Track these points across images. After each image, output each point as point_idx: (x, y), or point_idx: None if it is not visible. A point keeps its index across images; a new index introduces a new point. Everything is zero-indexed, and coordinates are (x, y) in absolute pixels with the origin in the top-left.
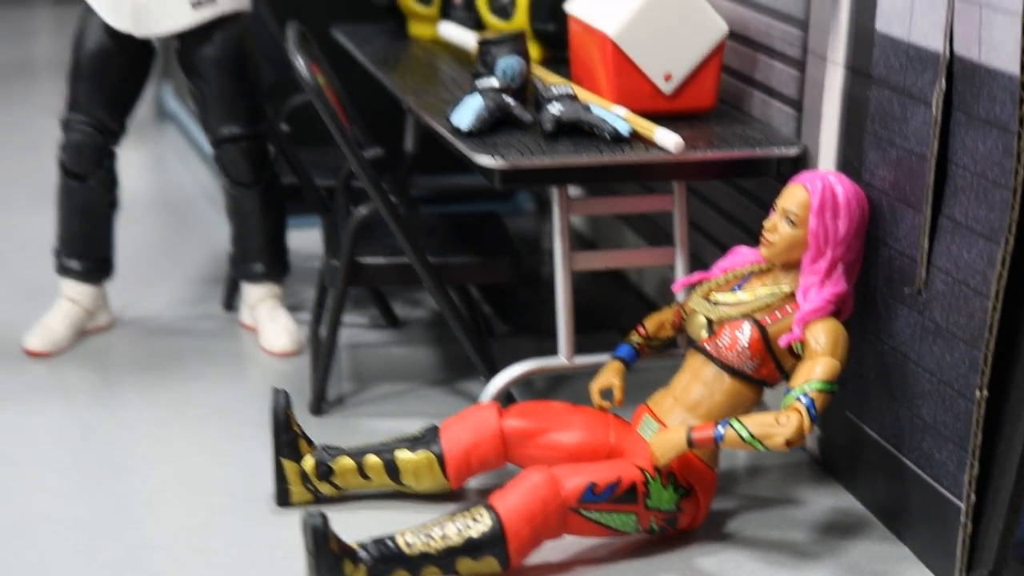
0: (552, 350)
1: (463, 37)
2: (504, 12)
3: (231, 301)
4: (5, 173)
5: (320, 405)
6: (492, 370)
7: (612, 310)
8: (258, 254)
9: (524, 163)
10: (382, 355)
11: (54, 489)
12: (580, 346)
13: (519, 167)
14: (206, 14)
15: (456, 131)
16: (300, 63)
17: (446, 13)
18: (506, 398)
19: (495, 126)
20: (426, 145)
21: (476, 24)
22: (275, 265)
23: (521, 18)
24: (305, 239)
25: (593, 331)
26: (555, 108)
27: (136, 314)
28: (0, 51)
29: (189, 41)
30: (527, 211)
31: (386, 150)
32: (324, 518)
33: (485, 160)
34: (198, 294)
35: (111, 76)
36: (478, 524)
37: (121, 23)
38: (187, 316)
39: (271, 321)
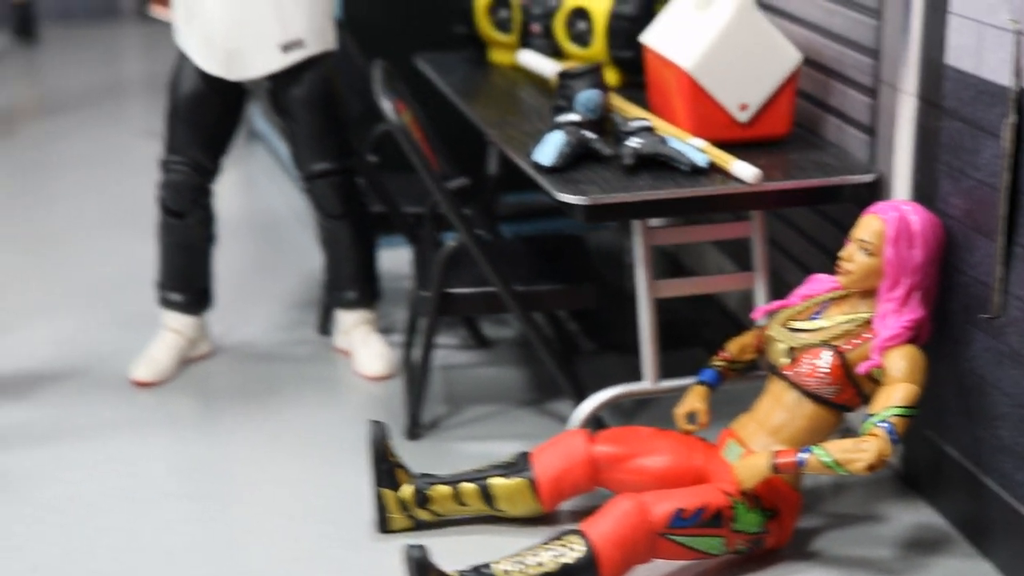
0: (637, 367)
1: (542, 65)
2: (582, 39)
3: (325, 326)
4: (105, 199)
5: (415, 430)
6: (580, 393)
7: (694, 325)
8: (351, 282)
9: (606, 199)
10: (472, 377)
11: (166, 520)
12: (664, 363)
13: (601, 203)
14: (295, 57)
15: (539, 167)
16: (388, 106)
17: (525, 41)
18: (594, 421)
19: (576, 160)
20: (507, 164)
21: (554, 51)
22: (367, 292)
23: (599, 45)
24: (394, 260)
25: (676, 347)
26: (634, 142)
27: (234, 340)
28: (90, 71)
29: (279, 82)
30: (608, 224)
31: (469, 172)
32: (424, 550)
33: (568, 197)
34: (293, 319)
35: (206, 118)
36: (572, 551)
37: (214, 68)
38: (283, 341)
39: (365, 346)
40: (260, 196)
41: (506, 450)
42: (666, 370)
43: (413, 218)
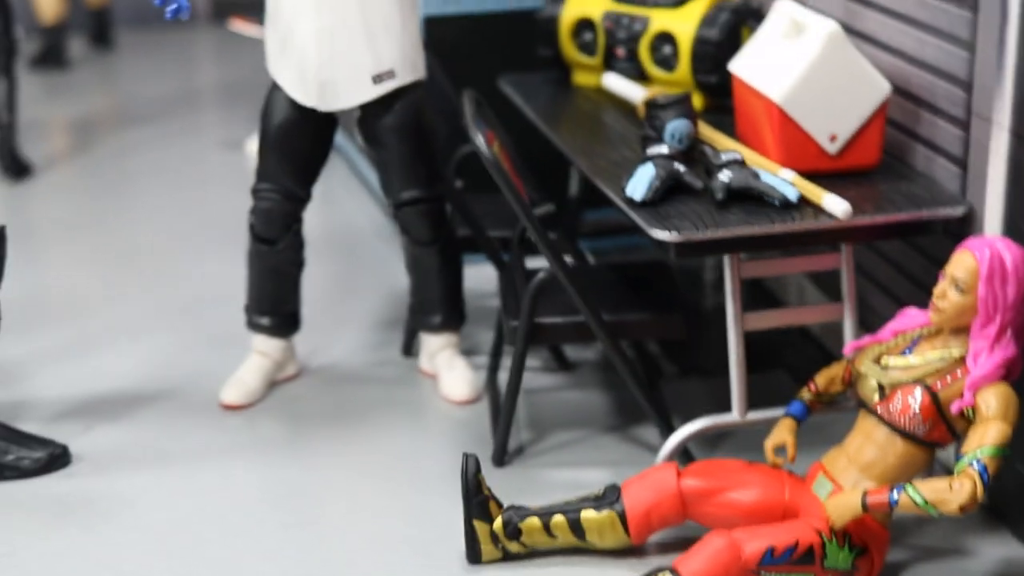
0: (721, 391)
1: (628, 90)
2: (667, 64)
3: (410, 347)
4: (188, 215)
5: (503, 458)
6: (667, 423)
7: (774, 346)
8: (437, 306)
9: (698, 236)
10: (556, 401)
11: (262, 548)
12: (749, 388)
13: (693, 240)
14: (387, 87)
15: (630, 202)
16: (480, 139)
17: (609, 64)
18: (682, 452)
19: (667, 193)
20: (588, 184)
21: (639, 75)
22: (453, 316)
23: (684, 70)
24: (477, 279)
25: (756, 370)
26: (725, 175)
27: (320, 362)
28: (165, 79)
29: (370, 111)
30: None
31: (550, 191)
32: None
33: (661, 235)
34: (377, 339)
35: (297, 146)
36: None
37: (307, 99)
38: (368, 363)
39: (450, 369)
40: (339, 212)
41: (592, 478)
42: (750, 392)
43: (498, 242)
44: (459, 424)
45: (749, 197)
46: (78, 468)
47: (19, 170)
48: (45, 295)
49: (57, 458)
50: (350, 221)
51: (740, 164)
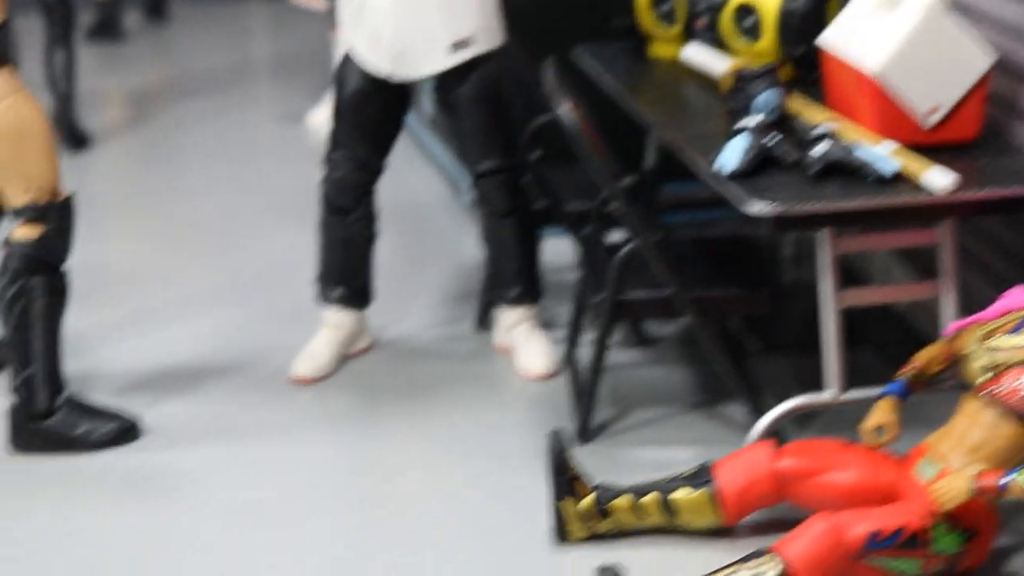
0: (805, 370)
1: (710, 62)
2: (751, 34)
3: (484, 321)
4: (249, 188)
5: (586, 435)
6: (756, 402)
7: (859, 322)
8: (514, 279)
9: (796, 209)
10: (637, 377)
11: (336, 526)
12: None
13: (790, 213)
14: (463, 56)
15: (721, 175)
16: (564, 108)
17: (689, 34)
18: (773, 433)
19: (757, 166)
20: (664, 156)
21: (720, 46)
22: (530, 289)
23: (768, 41)
24: (552, 251)
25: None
26: (820, 148)
27: (392, 335)
28: (220, 51)
29: (446, 80)
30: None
31: (626, 165)
32: (620, 570)
33: (757, 207)
34: (449, 313)
35: (370, 116)
36: (767, 572)
37: (382, 68)
38: (441, 337)
39: (527, 344)
40: (403, 183)
41: (680, 457)
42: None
43: (576, 215)
44: (537, 400)
45: (843, 171)
46: (148, 442)
47: (78, 141)
48: (106, 267)
49: (127, 431)
50: (414, 194)
51: (835, 136)
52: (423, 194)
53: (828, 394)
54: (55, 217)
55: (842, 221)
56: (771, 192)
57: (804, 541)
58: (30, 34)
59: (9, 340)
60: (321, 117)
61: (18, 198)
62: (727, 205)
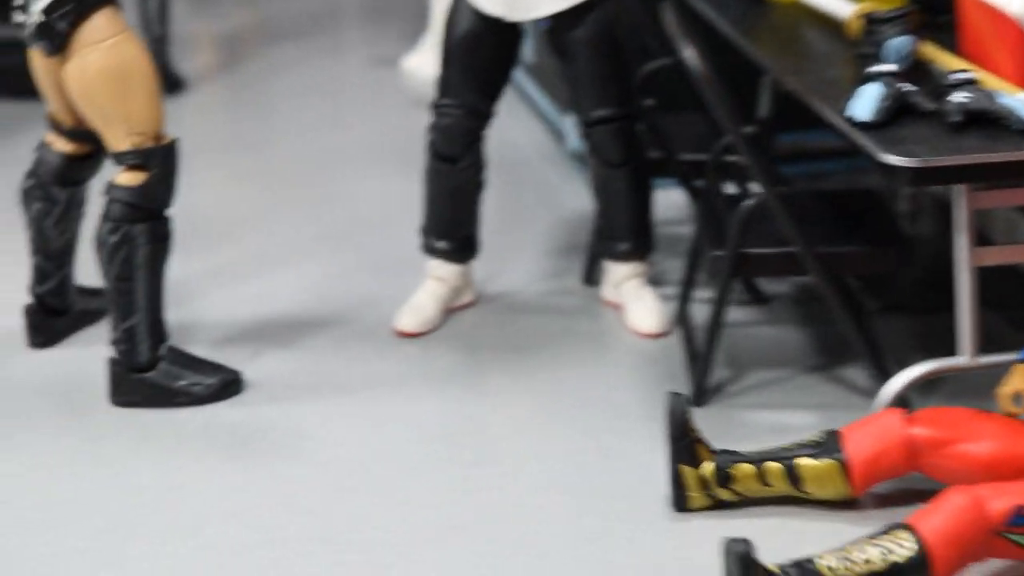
0: (927, 331)
1: (834, 5)
2: None
3: (591, 275)
4: (344, 134)
5: (702, 397)
6: (882, 366)
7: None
8: (625, 232)
9: (937, 161)
10: (752, 336)
11: (442, 488)
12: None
13: (932, 166)
14: None
15: (854, 123)
16: (690, 52)
17: None
18: (900, 400)
19: (893, 115)
20: (779, 105)
21: None
22: (641, 243)
23: None
24: (662, 204)
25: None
26: (960, 97)
27: (497, 289)
28: None
29: (561, 22)
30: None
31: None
32: (748, 545)
33: (894, 159)
34: (555, 267)
35: (481, 60)
36: (902, 549)
37: (494, 8)
38: (547, 291)
39: (637, 301)
40: (502, 133)
41: (800, 421)
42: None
43: (691, 166)
44: (648, 359)
45: (984, 120)
46: (250, 396)
47: (173, 84)
48: (202, 215)
49: (230, 384)
50: (514, 144)
51: (976, 84)
52: (523, 144)
53: (962, 358)
54: (159, 162)
55: (984, 175)
56: (907, 144)
57: (942, 516)
58: None
59: (111, 289)
60: (418, 61)
61: (120, 142)
62: (842, 156)
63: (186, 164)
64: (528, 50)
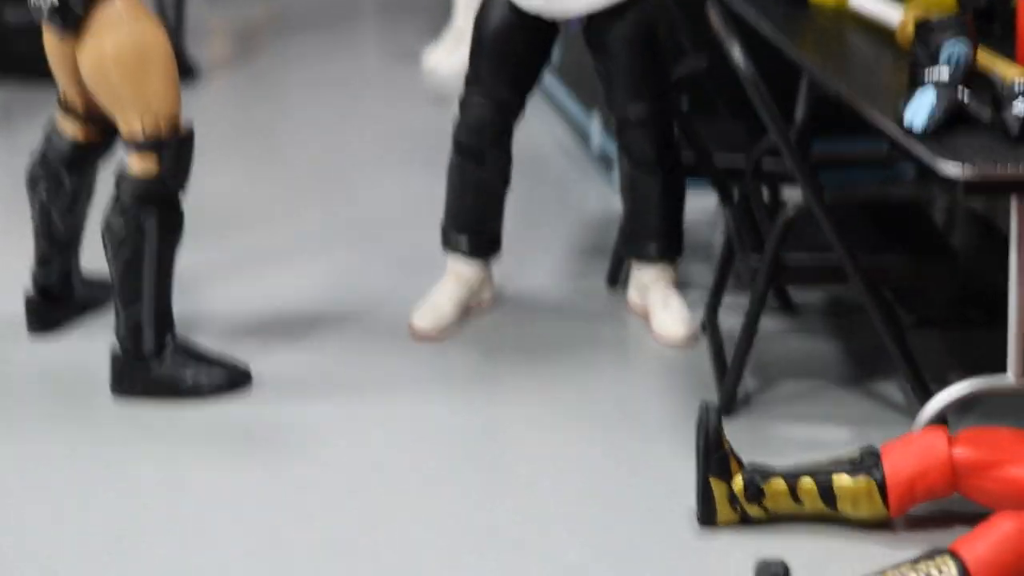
0: (964, 347)
1: (882, 11)
2: None
3: (616, 277)
4: (363, 128)
5: (731, 407)
6: (922, 382)
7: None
8: (654, 235)
9: (995, 174)
10: (782, 346)
11: (458, 496)
12: (989, 344)
13: (989, 178)
14: None
15: (908, 131)
16: (737, 52)
17: None
18: (941, 419)
19: (947, 124)
20: (815, 110)
21: None
22: (671, 246)
23: None
24: (691, 206)
25: (995, 324)
26: (1020, 106)
27: (517, 289)
28: None
29: (599, 18)
30: (907, 179)
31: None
32: (785, 567)
33: (950, 169)
34: (578, 267)
35: (514, 53)
36: (943, 574)
37: (531, 3)
38: (569, 293)
39: (664, 307)
40: (528, 132)
41: (833, 436)
42: (993, 354)
43: (726, 170)
44: (674, 367)
45: None
46: (258, 393)
47: (187, 72)
48: (215, 205)
49: (238, 380)
50: (535, 140)
51: None
52: (548, 144)
53: (1009, 377)
54: (173, 149)
55: None
56: (964, 153)
57: (988, 542)
58: None
59: (117, 276)
60: (439, 57)
61: (135, 127)
62: (874, 165)
63: (197, 152)
64: (555, 49)
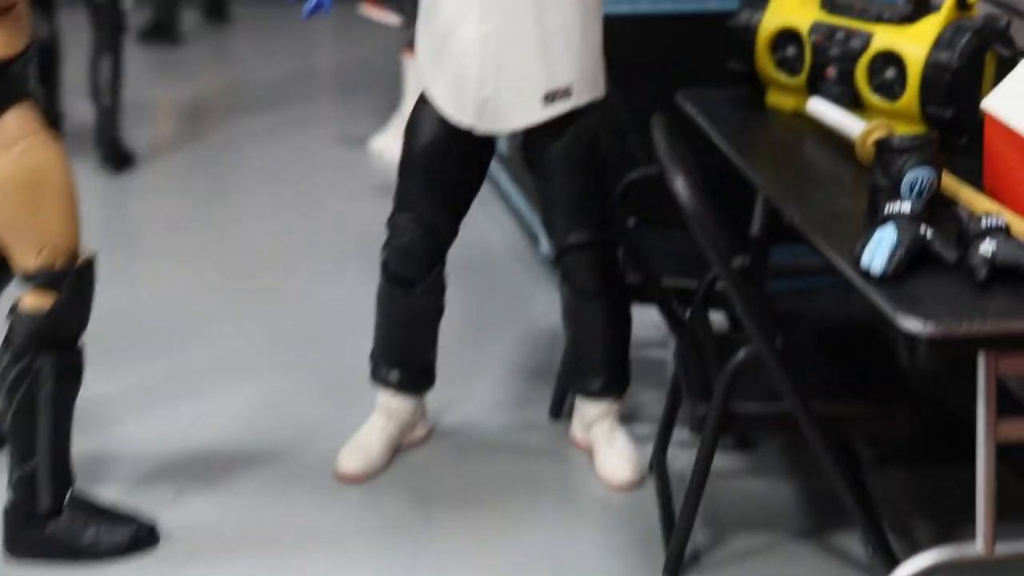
0: (928, 486)
1: (843, 122)
2: (889, 91)
3: (559, 409)
4: (308, 222)
5: (677, 570)
6: (884, 540)
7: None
8: (598, 368)
9: (960, 330)
10: (736, 491)
11: None
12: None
13: (953, 335)
14: (559, 108)
15: (867, 276)
16: (680, 183)
17: (815, 86)
18: None
19: (908, 267)
20: (772, 221)
21: (853, 101)
22: (616, 380)
23: (910, 99)
24: (636, 324)
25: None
26: (987, 247)
27: (453, 421)
28: (281, 61)
29: (536, 135)
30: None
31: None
32: None
33: (913, 324)
34: (519, 394)
35: (446, 173)
36: None
37: (463, 118)
38: (509, 426)
39: (609, 446)
40: (474, 230)
41: None
42: (961, 491)
43: (673, 293)
44: (619, 513)
45: (1015, 275)
46: (166, 550)
47: (121, 160)
48: (139, 313)
49: (142, 538)
50: (486, 242)
51: (1006, 232)
52: (494, 244)
53: (978, 546)
54: (71, 285)
55: (1012, 343)
56: (925, 305)
57: None
58: (76, 35)
59: (10, 427)
60: (385, 142)
61: (29, 260)
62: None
63: (125, 252)
64: (502, 141)
